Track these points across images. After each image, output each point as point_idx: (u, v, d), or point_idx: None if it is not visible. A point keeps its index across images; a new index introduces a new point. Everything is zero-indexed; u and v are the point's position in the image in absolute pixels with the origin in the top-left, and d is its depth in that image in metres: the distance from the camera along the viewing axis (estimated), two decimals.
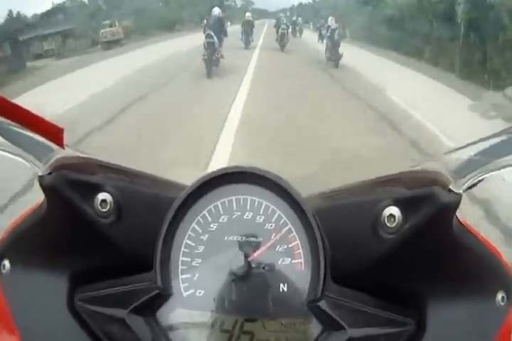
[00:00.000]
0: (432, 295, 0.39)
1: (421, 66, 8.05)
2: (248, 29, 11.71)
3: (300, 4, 26.77)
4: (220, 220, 0.39)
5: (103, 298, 0.40)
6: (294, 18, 17.20)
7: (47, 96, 5.60)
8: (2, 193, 2.59)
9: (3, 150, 0.38)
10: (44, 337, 0.41)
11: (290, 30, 12.48)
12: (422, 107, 4.85)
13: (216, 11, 8.28)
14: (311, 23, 18.06)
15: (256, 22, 12.55)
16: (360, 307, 0.38)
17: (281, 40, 11.98)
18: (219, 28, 7.65)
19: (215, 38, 7.19)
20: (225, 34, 7.98)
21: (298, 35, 16.66)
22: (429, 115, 4.53)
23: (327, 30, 10.12)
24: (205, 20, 8.37)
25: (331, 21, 10.25)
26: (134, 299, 0.38)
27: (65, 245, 0.42)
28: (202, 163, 3.21)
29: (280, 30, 11.98)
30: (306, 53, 11.26)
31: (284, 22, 12.63)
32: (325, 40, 10.28)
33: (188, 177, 0.45)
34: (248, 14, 12.49)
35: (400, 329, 0.38)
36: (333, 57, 9.20)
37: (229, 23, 9.02)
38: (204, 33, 7.59)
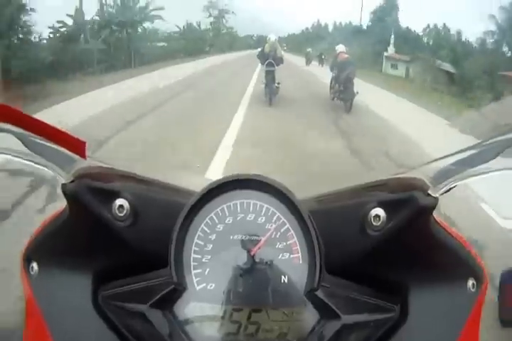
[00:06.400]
0: (412, 284, 0.44)
1: None
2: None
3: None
4: (226, 221, 0.43)
5: (124, 294, 0.44)
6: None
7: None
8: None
9: (31, 161, 0.42)
10: (71, 332, 0.44)
11: None
12: None
13: (273, 37, 6.92)
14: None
15: (253, 52, 9.41)
16: (351, 295, 0.42)
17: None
18: (276, 56, 6.58)
19: (275, 66, 6.19)
20: (281, 61, 6.73)
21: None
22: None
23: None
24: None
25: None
26: (153, 294, 0.42)
27: (87, 247, 0.46)
28: None
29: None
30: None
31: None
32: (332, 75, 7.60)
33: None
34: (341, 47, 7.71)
35: (386, 315, 0.43)
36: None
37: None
38: (261, 60, 6.57)
